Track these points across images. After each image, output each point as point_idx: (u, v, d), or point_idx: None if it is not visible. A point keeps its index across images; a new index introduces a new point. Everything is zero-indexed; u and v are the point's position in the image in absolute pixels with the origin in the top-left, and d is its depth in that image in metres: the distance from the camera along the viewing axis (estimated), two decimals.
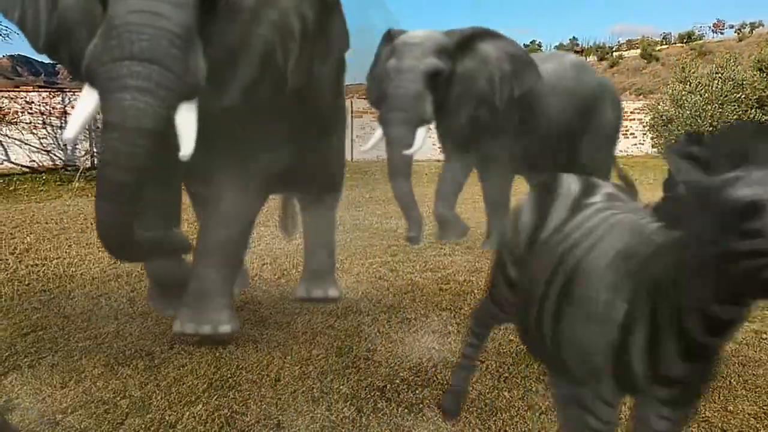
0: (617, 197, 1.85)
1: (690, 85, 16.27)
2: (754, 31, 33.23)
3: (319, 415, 2.68)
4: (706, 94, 15.84)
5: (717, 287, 1.30)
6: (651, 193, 5.44)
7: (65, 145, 11.73)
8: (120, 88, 2.48)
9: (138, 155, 2.54)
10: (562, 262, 1.67)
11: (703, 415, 2.71)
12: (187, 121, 2.69)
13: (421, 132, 5.09)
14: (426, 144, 5.37)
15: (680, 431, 1.63)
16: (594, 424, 1.59)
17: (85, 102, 2.66)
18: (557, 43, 42.38)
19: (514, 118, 5.55)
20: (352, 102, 13.93)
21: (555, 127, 5.77)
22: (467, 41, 5.33)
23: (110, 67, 2.49)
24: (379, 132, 5.19)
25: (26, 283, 4.61)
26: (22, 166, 11.44)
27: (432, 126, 5.41)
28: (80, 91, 2.76)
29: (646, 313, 1.45)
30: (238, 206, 3.47)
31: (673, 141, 16.22)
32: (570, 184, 1.91)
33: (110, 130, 2.55)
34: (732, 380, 3.06)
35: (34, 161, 11.51)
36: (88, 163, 10.92)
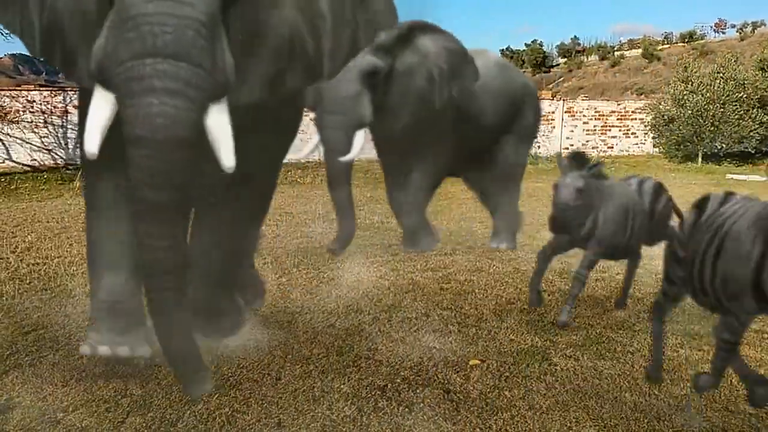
0: (748, 197, 2.76)
1: (692, 85, 16.24)
2: (755, 31, 33.04)
3: (319, 414, 2.68)
4: (708, 94, 15.82)
5: None
6: None
7: (66, 144, 11.74)
8: (144, 91, 2.12)
9: (177, 171, 2.22)
10: (717, 231, 2.57)
11: (705, 415, 2.71)
12: (220, 124, 2.31)
13: (359, 135, 4.79)
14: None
15: None
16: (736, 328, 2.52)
17: (101, 108, 2.27)
18: (558, 42, 42.28)
19: (450, 118, 5.32)
20: None
21: (483, 127, 5.59)
22: (406, 35, 5.04)
23: (130, 66, 2.12)
24: (316, 137, 4.91)
25: (27, 281, 4.61)
26: (23, 164, 11.46)
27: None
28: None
29: None
30: (242, 222, 3.28)
31: (673, 140, 16.31)
32: (715, 197, 2.78)
33: (137, 146, 2.18)
34: (733, 380, 3.05)
35: (35, 160, 11.53)
36: None
